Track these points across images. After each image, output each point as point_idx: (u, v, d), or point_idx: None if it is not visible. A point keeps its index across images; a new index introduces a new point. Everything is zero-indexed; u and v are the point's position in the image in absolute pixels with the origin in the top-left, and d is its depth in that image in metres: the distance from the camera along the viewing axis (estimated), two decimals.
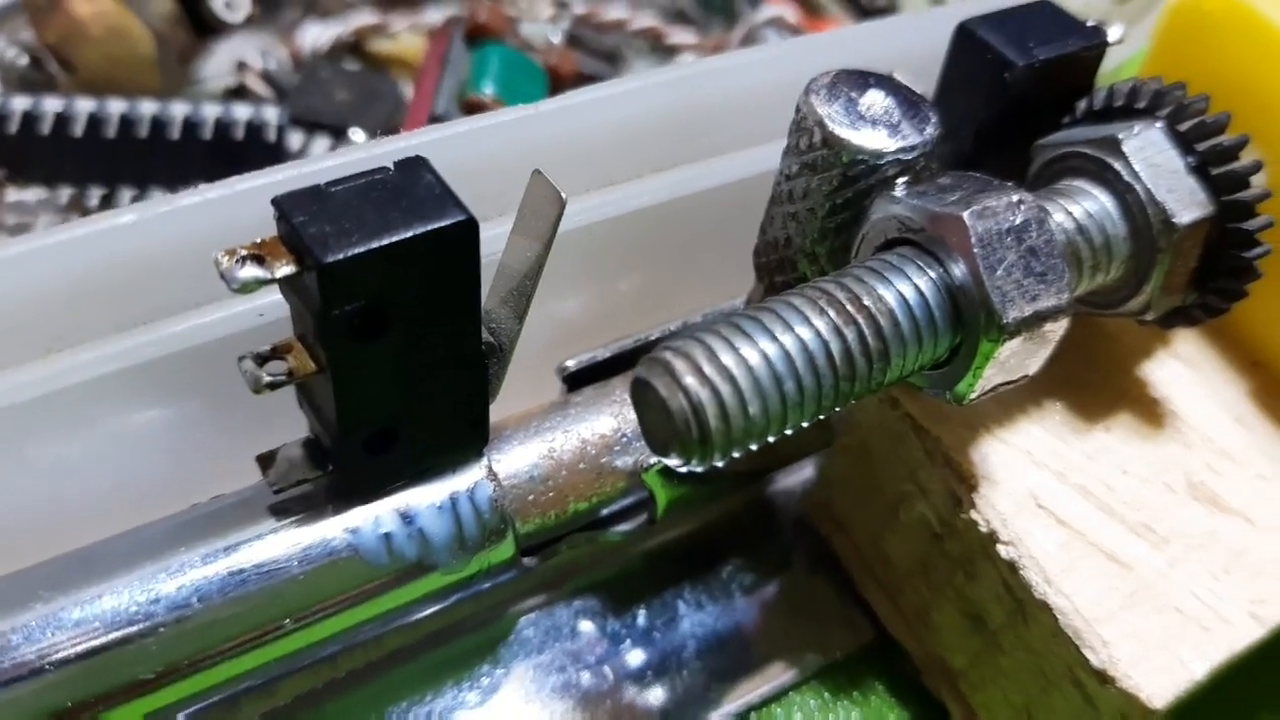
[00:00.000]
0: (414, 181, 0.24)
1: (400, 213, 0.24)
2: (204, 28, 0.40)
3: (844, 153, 0.27)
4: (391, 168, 0.25)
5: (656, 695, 0.31)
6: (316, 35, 0.43)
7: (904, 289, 0.26)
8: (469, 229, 0.24)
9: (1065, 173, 0.29)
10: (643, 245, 0.32)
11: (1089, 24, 0.32)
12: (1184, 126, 0.28)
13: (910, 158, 0.27)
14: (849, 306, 0.25)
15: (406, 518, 0.27)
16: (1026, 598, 0.28)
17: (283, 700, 0.29)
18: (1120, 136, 0.28)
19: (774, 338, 0.25)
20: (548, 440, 0.30)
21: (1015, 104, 0.30)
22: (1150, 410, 0.31)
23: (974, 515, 0.29)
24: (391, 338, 0.24)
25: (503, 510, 0.28)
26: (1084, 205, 0.28)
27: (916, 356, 0.26)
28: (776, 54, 0.31)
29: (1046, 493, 0.29)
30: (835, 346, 0.25)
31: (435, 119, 0.38)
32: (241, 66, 0.41)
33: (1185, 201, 0.28)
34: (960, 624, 0.31)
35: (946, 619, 0.31)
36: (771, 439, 0.25)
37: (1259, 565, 0.29)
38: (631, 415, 0.30)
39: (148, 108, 0.36)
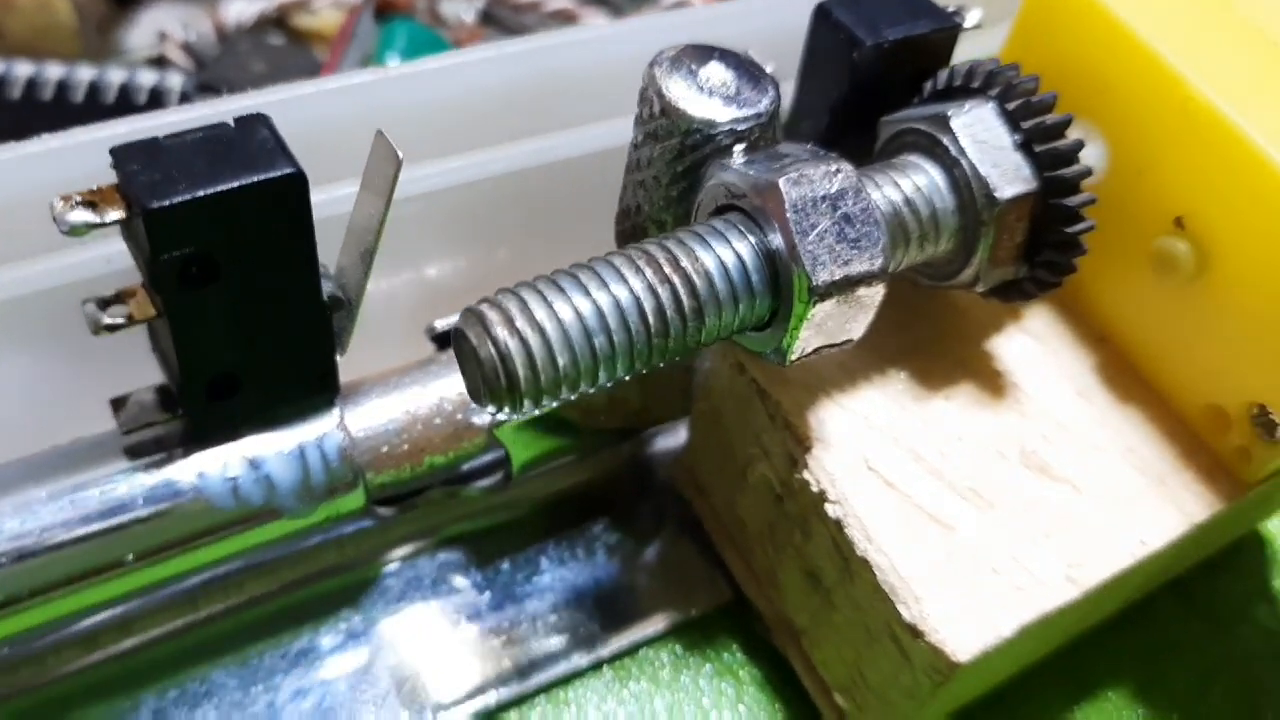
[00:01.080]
0: (250, 137, 0.26)
1: (230, 165, 0.25)
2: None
3: (680, 122, 0.28)
4: (232, 124, 0.26)
5: (512, 647, 0.32)
6: (241, 9, 0.44)
7: (723, 252, 0.27)
8: (296, 182, 0.25)
9: (903, 148, 0.31)
10: (513, 210, 0.33)
11: (949, 8, 0.34)
12: (1012, 105, 0.29)
13: (745, 128, 0.28)
14: (666, 267, 0.26)
15: (254, 463, 0.29)
16: (851, 555, 0.29)
17: (138, 637, 0.30)
18: (949, 113, 0.29)
19: (588, 293, 0.26)
20: (406, 395, 0.31)
21: (865, 83, 0.32)
22: (992, 381, 0.32)
23: (806, 475, 0.30)
24: (224, 285, 0.26)
25: (352, 460, 0.30)
26: (914, 179, 0.29)
27: (734, 317, 0.27)
28: (642, 27, 0.33)
29: (878, 456, 0.30)
30: (648, 304, 0.26)
31: None
32: (163, 37, 0.42)
33: (1009, 177, 0.29)
34: (801, 583, 0.32)
35: (789, 578, 0.32)
36: (589, 389, 0.26)
37: (1080, 530, 0.30)
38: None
39: (54, 71, 0.37)
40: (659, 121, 0.29)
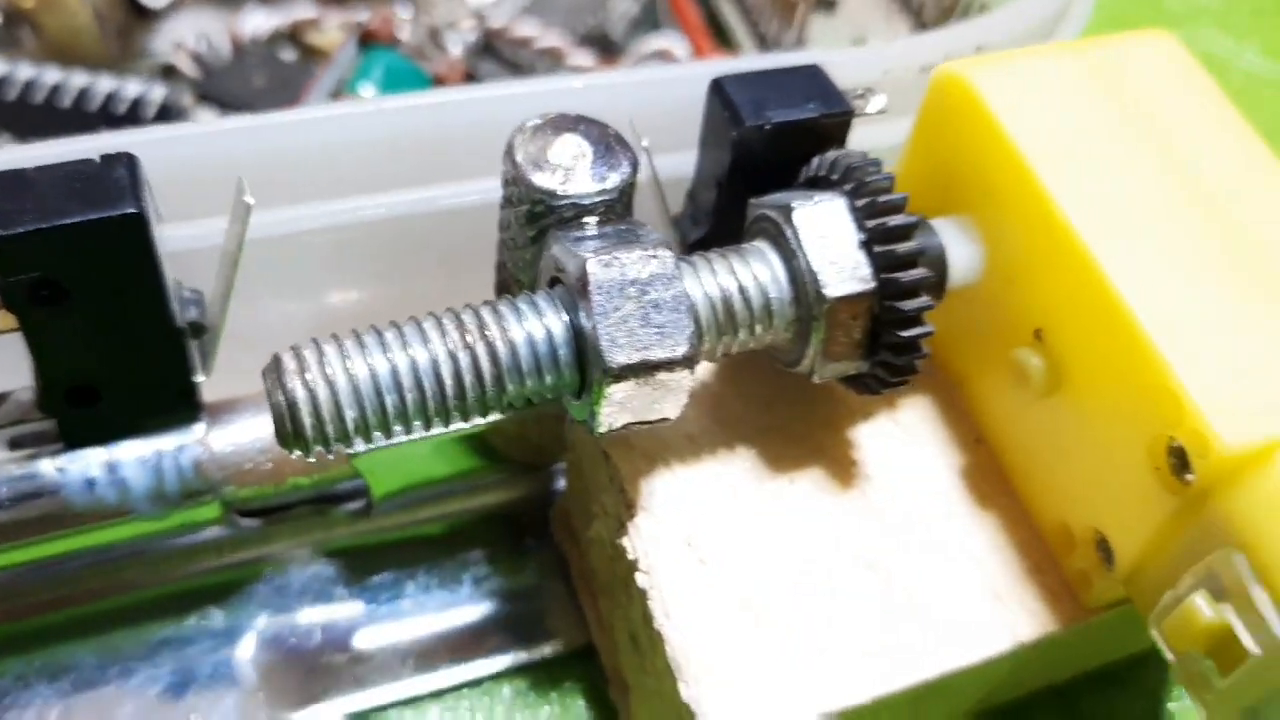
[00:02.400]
0: (109, 174, 0.28)
1: (79, 200, 0.27)
2: (140, 10, 0.45)
3: (527, 190, 0.29)
4: (98, 160, 0.28)
5: (359, 665, 0.34)
6: (258, 23, 0.47)
7: (533, 325, 0.28)
8: (133, 221, 0.27)
9: (758, 233, 0.31)
10: (408, 250, 0.34)
11: (857, 91, 0.33)
12: (861, 202, 0.29)
13: (587, 203, 0.29)
14: (471, 334, 0.28)
15: (112, 467, 0.31)
16: (653, 626, 0.30)
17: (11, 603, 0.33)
18: (794, 205, 0.29)
19: (387, 351, 0.27)
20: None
21: (746, 162, 0.32)
22: (846, 471, 0.32)
23: (625, 542, 0.31)
24: (73, 307, 0.28)
25: (207, 473, 0.32)
26: (753, 267, 0.29)
27: (541, 386, 0.28)
28: (544, 89, 0.33)
29: (701, 532, 0.31)
30: (445, 368, 0.27)
31: None
32: (177, 46, 0.45)
33: (843, 275, 0.29)
34: (627, 641, 0.33)
35: (620, 635, 0.33)
36: (383, 442, 0.28)
37: (897, 635, 0.30)
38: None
39: (51, 76, 0.41)
40: (512, 187, 0.30)
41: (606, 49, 0.47)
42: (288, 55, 0.47)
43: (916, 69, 0.36)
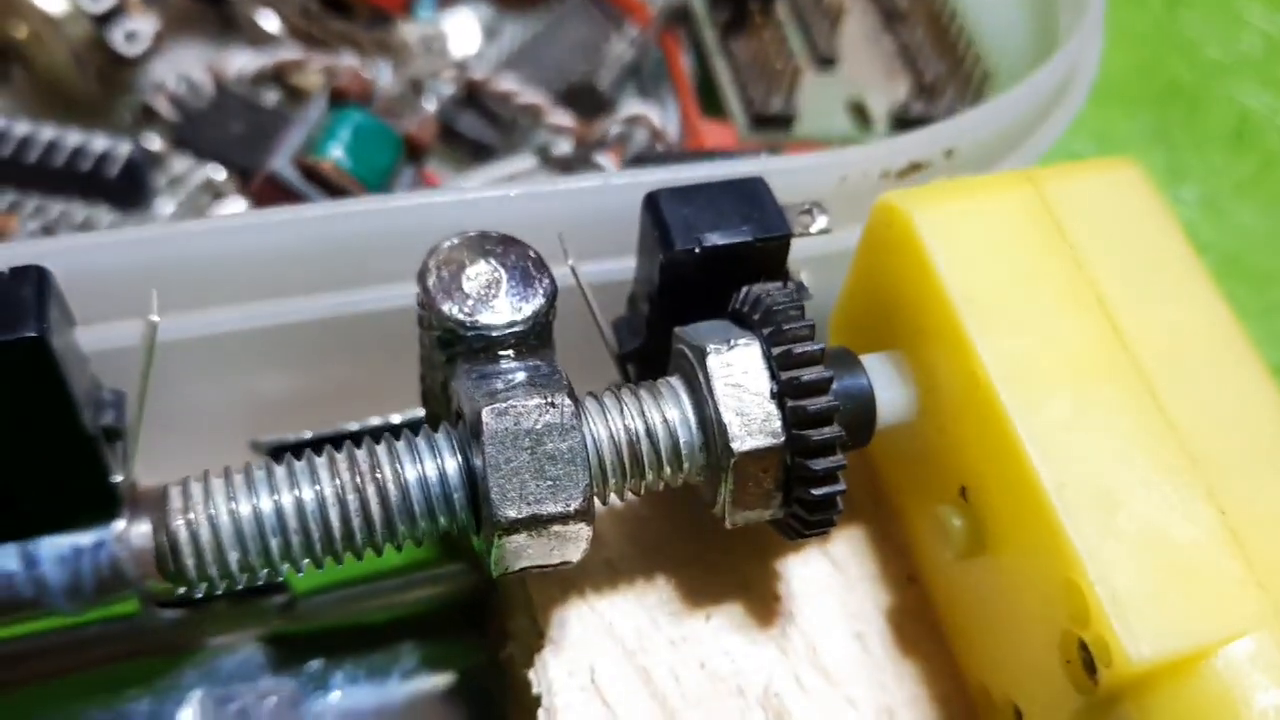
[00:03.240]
0: (15, 291, 0.28)
1: None
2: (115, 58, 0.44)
3: (435, 318, 0.28)
4: (7, 274, 0.28)
5: None
6: (244, 63, 0.46)
7: (428, 467, 0.27)
8: (34, 346, 0.27)
9: (676, 368, 0.30)
10: (329, 350, 0.34)
11: (804, 206, 0.32)
12: (776, 350, 0.28)
13: (496, 335, 0.28)
14: (361, 476, 0.27)
15: (30, 561, 0.31)
16: None
17: None
18: (709, 349, 0.28)
19: (274, 491, 0.27)
20: None
21: (676, 284, 0.31)
22: (767, 607, 0.31)
23: (531, 675, 0.30)
24: None
25: (124, 570, 0.32)
26: (664, 409, 0.28)
27: (434, 527, 0.28)
28: (476, 198, 0.32)
29: (607, 670, 0.30)
30: (333, 511, 0.27)
31: (272, 176, 0.41)
32: (156, 88, 0.45)
33: (752, 429, 0.27)
34: None
35: None
36: (262, 580, 0.27)
37: None
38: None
39: (20, 129, 0.41)
40: (424, 311, 0.29)
41: (592, 103, 0.46)
42: (272, 97, 0.46)
43: (876, 175, 0.34)
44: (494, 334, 0.28)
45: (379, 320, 0.33)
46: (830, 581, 0.32)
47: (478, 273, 0.29)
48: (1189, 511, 0.25)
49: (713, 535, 0.32)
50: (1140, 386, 0.27)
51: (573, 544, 0.27)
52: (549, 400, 0.27)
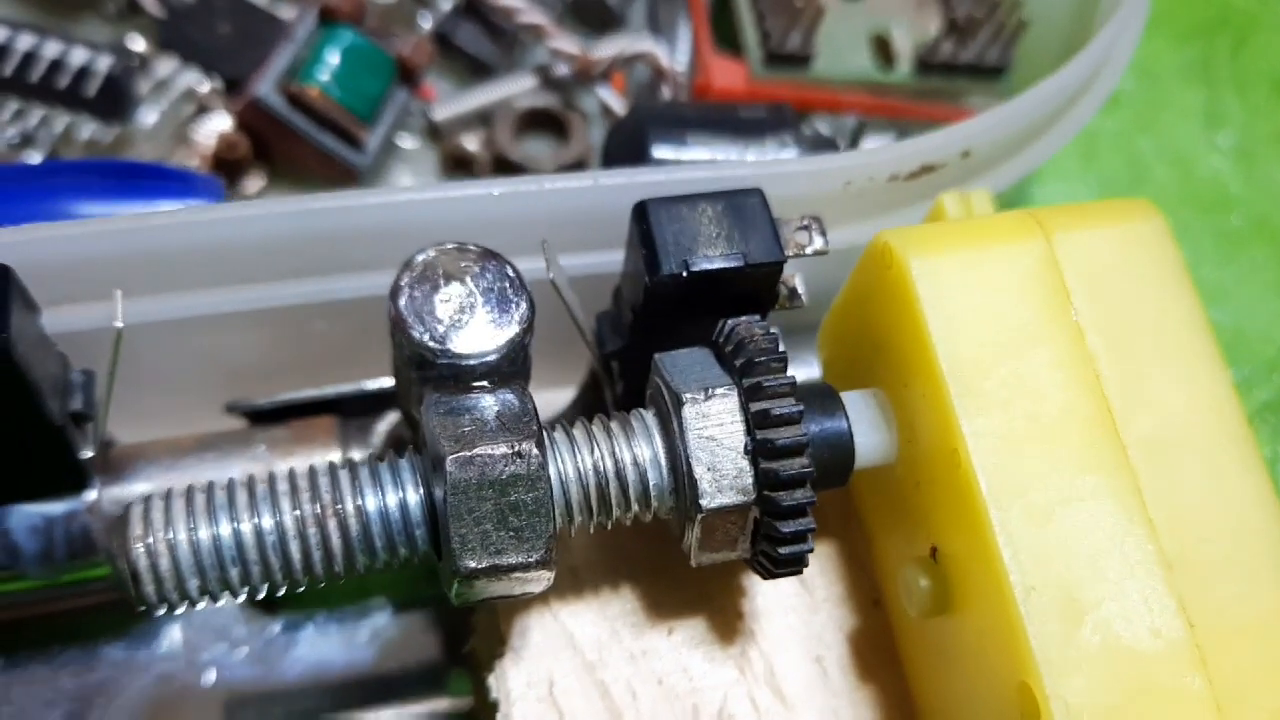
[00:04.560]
0: None
1: None
2: None
3: (404, 341, 0.28)
4: None
5: (250, 704, 0.35)
6: None
7: (390, 499, 0.27)
8: None
9: (652, 401, 0.29)
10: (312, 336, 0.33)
11: (802, 222, 0.30)
12: (754, 406, 0.27)
13: (466, 365, 0.27)
14: (323, 508, 0.27)
15: (2, 531, 0.31)
16: None
17: None
18: (686, 398, 0.27)
19: (235, 519, 0.26)
20: (172, 480, 0.33)
21: (662, 304, 0.29)
22: (730, 625, 0.31)
23: (491, 681, 0.31)
24: None
25: (95, 536, 0.32)
26: (635, 450, 0.28)
27: (395, 558, 0.27)
28: (462, 195, 0.31)
29: (565, 682, 0.30)
30: (294, 545, 0.27)
31: (257, 102, 0.39)
32: None
33: (722, 485, 0.27)
34: None
35: None
36: (224, 602, 0.27)
37: None
38: (257, 470, 0.33)
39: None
40: (397, 333, 0.28)
41: (600, 18, 0.43)
42: None
43: (884, 179, 0.32)
44: (465, 364, 0.27)
45: (354, 305, 0.32)
46: (795, 601, 0.32)
47: (451, 295, 0.28)
48: (1157, 624, 0.25)
49: (678, 547, 0.32)
50: (1126, 480, 0.26)
51: (535, 584, 0.27)
52: (515, 450, 0.26)
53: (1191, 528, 0.26)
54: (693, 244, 0.29)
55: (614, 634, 0.31)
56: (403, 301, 0.28)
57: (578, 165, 0.42)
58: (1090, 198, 0.47)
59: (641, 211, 0.29)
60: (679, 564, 0.32)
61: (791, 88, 0.42)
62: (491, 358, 0.28)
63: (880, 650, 0.32)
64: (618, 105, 0.42)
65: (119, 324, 0.28)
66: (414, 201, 0.30)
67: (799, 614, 0.32)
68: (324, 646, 0.36)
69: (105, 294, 0.30)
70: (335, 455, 0.34)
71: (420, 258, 0.28)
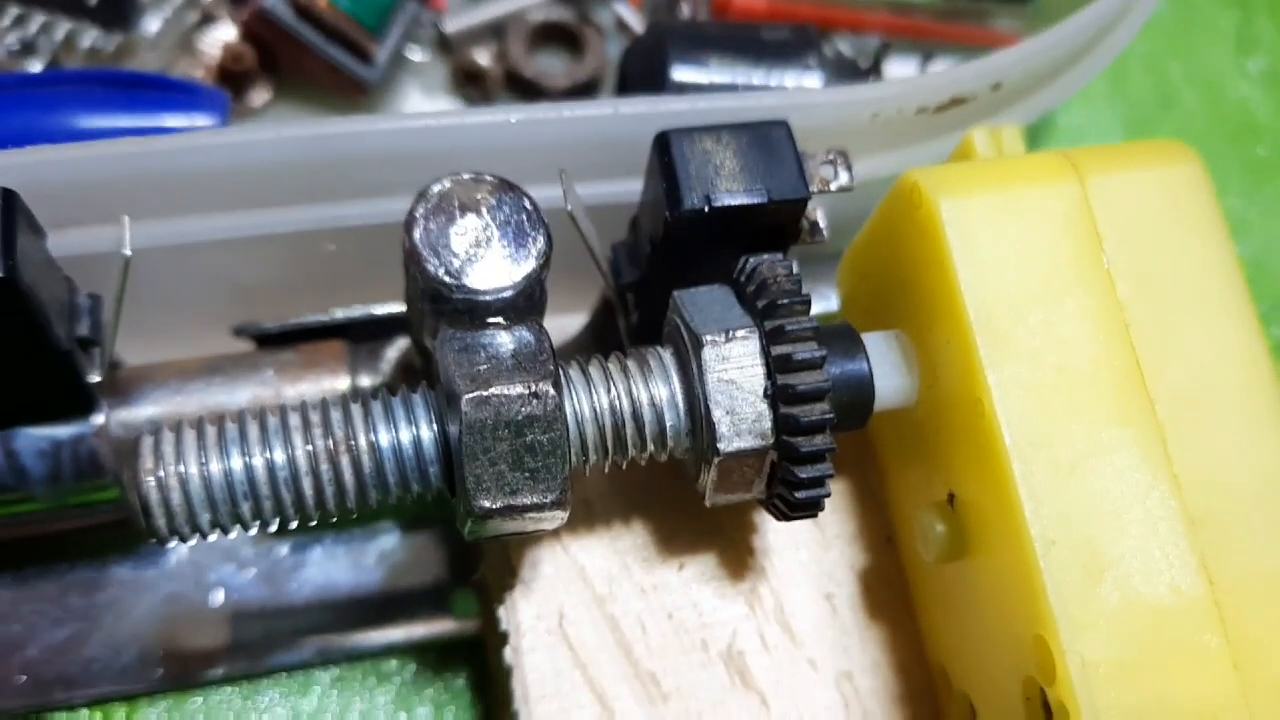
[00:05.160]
0: None
1: None
2: None
3: (422, 275, 0.27)
4: None
5: (256, 624, 0.35)
6: None
7: (403, 434, 0.27)
8: (3, 285, 0.26)
9: (669, 339, 0.28)
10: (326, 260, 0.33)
11: (829, 155, 0.29)
12: (776, 350, 0.26)
13: (482, 300, 0.27)
14: (335, 443, 0.26)
15: (10, 454, 0.31)
16: (511, 706, 0.30)
17: None
18: (706, 340, 0.26)
19: (247, 453, 0.26)
20: (180, 404, 0.33)
21: (682, 240, 0.29)
22: (740, 561, 0.31)
23: (501, 612, 0.31)
24: None
25: (104, 461, 0.32)
26: (653, 389, 0.27)
27: (407, 494, 0.27)
28: (479, 121, 0.29)
29: (575, 615, 0.30)
30: (306, 482, 0.26)
31: (263, 13, 0.37)
32: None
33: (741, 429, 0.26)
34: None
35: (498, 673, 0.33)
36: (234, 535, 0.27)
37: None
38: (266, 396, 0.33)
39: None
40: (411, 265, 0.27)
41: None
42: None
43: (912, 110, 0.31)
44: (481, 299, 0.27)
45: (365, 231, 0.31)
46: (806, 538, 0.32)
47: (467, 228, 0.27)
48: (1176, 580, 0.24)
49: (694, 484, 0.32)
50: (1153, 434, 0.25)
51: (548, 523, 0.27)
52: (532, 390, 0.26)
53: (1216, 484, 0.25)
54: (715, 178, 0.28)
55: (624, 568, 0.31)
56: (417, 234, 0.27)
57: (592, 83, 0.41)
58: (1117, 123, 0.46)
59: (663, 143, 0.29)
60: (691, 498, 0.31)
61: (813, 6, 0.41)
62: (508, 293, 0.27)
63: (891, 588, 0.32)
64: (634, 21, 0.41)
65: (127, 252, 0.27)
66: (429, 128, 0.29)
67: (810, 550, 0.32)
68: (331, 568, 0.37)
69: (111, 217, 0.29)
70: (344, 381, 0.34)
71: (435, 188, 0.27)
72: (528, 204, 0.28)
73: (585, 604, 0.31)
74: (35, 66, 0.39)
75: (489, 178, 0.28)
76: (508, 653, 0.30)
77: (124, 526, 0.35)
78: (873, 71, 0.41)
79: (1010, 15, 0.42)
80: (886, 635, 0.31)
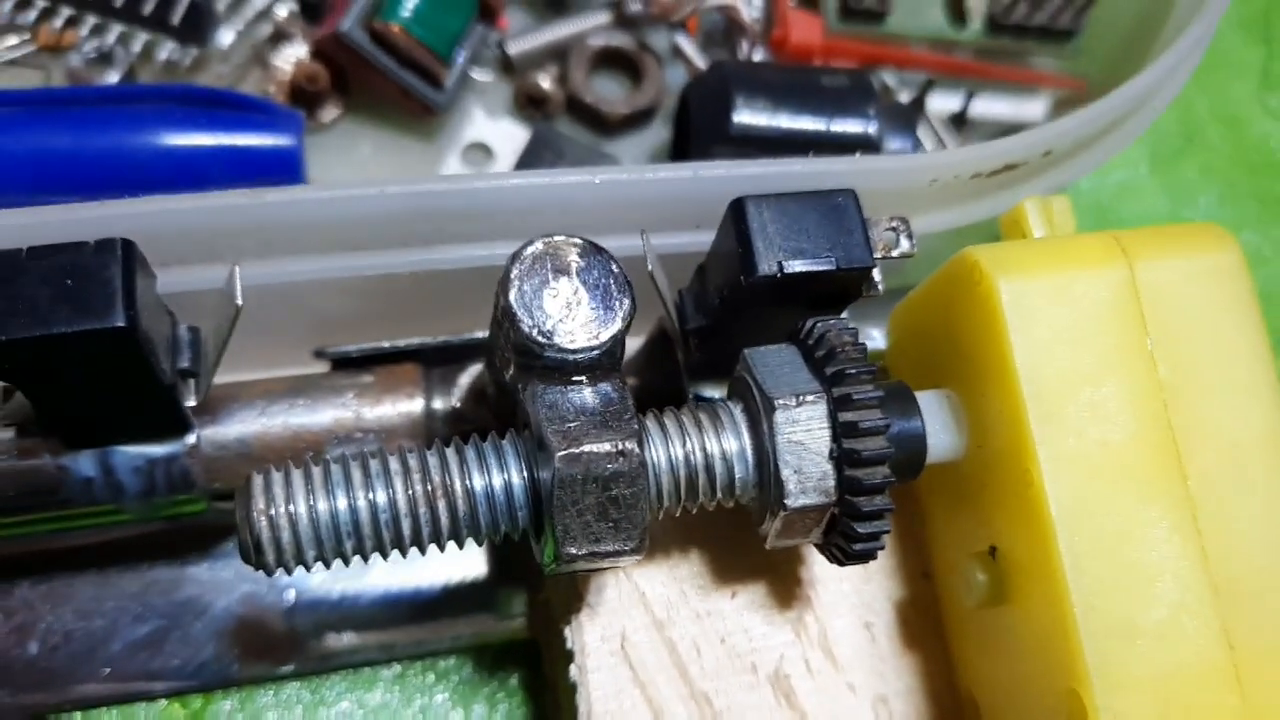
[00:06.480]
0: (101, 269, 0.28)
1: (68, 305, 0.27)
2: None
3: (514, 332, 0.29)
4: (91, 246, 0.28)
5: (325, 623, 0.38)
6: None
7: (495, 479, 0.29)
8: (120, 336, 0.28)
9: (740, 395, 0.30)
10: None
11: (892, 224, 0.31)
12: (843, 416, 0.28)
13: (572, 359, 0.29)
14: (432, 487, 0.28)
15: (108, 469, 0.33)
16: (576, 714, 0.33)
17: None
18: (779, 404, 0.29)
19: (351, 495, 0.28)
20: (266, 424, 0.35)
21: (755, 301, 0.31)
22: (789, 591, 0.34)
23: (566, 632, 0.33)
24: (63, 382, 0.29)
25: (193, 477, 0.34)
26: (724, 444, 0.29)
27: (496, 534, 0.29)
28: (562, 182, 0.31)
29: (637, 636, 0.33)
30: (406, 524, 0.28)
31: (339, 36, 0.39)
32: None
33: (806, 487, 0.29)
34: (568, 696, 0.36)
35: (559, 683, 0.36)
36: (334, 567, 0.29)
37: None
38: (346, 418, 0.35)
39: None
40: (505, 321, 0.29)
41: None
42: None
43: (968, 176, 0.33)
44: (570, 358, 0.29)
45: (449, 273, 0.33)
46: (849, 571, 0.34)
47: (560, 290, 0.29)
48: (1200, 647, 0.27)
49: (746, 517, 0.34)
50: (1185, 509, 0.28)
51: (624, 563, 0.29)
52: (619, 449, 0.28)
53: (1241, 557, 0.28)
54: (787, 245, 0.30)
55: (682, 595, 0.33)
56: (513, 294, 0.29)
57: (650, 110, 0.42)
58: (1143, 158, 0.48)
59: (739, 209, 0.31)
60: (745, 532, 0.34)
61: (865, 42, 0.42)
62: (595, 353, 0.29)
63: (926, 620, 0.34)
64: (691, 50, 0.42)
65: (239, 302, 0.29)
66: (523, 187, 0.31)
67: (852, 582, 0.34)
68: (395, 571, 0.39)
69: (215, 256, 0.31)
70: (419, 404, 0.36)
71: (529, 250, 0.29)
72: (614, 267, 0.30)
73: (645, 627, 0.33)
74: (112, 76, 0.40)
75: (578, 240, 0.30)
76: (573, 670, 0.33)
77: (202, 529, 0.38)
78: (916, 106, 0.43)
79: (1051, 54, 0.44)
80: (920, 663, 0.34)
